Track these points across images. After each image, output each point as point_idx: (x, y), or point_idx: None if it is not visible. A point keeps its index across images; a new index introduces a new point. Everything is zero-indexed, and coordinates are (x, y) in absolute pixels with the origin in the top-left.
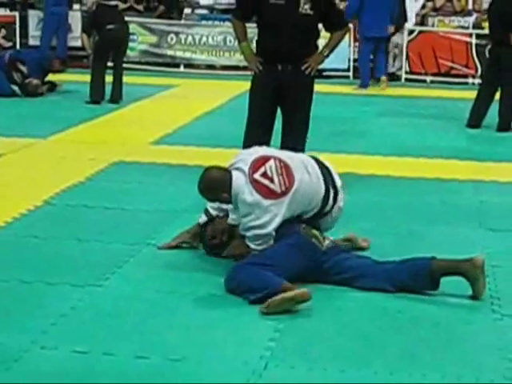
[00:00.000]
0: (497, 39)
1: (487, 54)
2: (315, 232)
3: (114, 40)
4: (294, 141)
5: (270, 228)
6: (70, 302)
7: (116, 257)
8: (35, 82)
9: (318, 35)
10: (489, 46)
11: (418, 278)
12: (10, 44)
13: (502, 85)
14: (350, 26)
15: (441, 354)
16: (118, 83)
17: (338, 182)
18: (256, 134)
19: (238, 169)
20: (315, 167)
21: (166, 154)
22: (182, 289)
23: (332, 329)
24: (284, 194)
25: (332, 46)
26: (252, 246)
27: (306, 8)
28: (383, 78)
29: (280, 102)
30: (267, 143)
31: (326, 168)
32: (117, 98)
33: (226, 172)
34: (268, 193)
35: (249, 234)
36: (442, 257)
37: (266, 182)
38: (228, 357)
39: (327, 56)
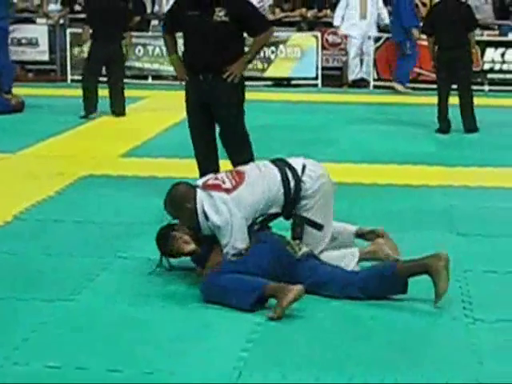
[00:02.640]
0: (448, 44)
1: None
2: (290, 240)
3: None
4: (237, 154)
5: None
6: (41, 317)
7: (87, 271)
8: (18, 97)
9: (241, 42)
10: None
11: (384, 281)
12: None
13: (459, 87)
14: (317, 33)
15: (413, 358)
16: (119, 95)
17: (298, 161)
18: (199, 145)
19: (196, 186)
20: (266, 163)
21: (135, 166)
22: (154, 301)
23: (305, 337)
24: (235, 187)
25: (254, 51)
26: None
27: (220, 15)
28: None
29: (210, 112)
30: (215, 153)
31: (280, 159)
32: (120, 110)
33: (192, 188)
34: (221, 190)
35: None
36: None
37: (217, 182)
38: (201, 368)
39: (249, 62)
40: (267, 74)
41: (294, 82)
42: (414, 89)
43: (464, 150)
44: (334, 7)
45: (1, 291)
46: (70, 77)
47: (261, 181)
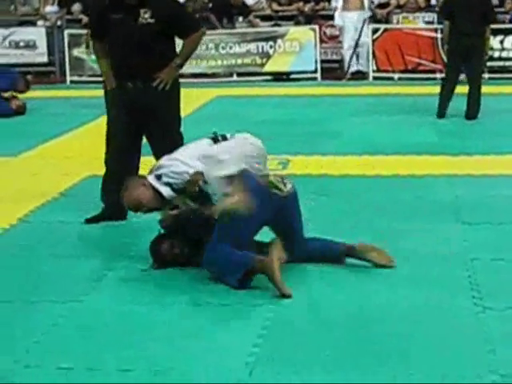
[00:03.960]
0: (466, 30)
1: (442, 46)
2: (273, 180)
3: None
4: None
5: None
6: (51, 319)
7: (95, 271)
8: (20, 100)
9: (170, 46)
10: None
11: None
12: None
13: (469, 74)
14: (315, 27)
15: (425, 350)
16: None
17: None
18: (116, 153)
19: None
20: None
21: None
22: (163, 299)
23: (316, 332)
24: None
25: (185, 55)
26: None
27: (146, 17)
28: None
29: (139, 122)
30: (132, 165)
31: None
32: None
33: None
34: None
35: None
36: (420, 252)
37: None
38: (213, 365)
39: (181, 66)
40: (266, 68)
41: (293, 76)
42: (414, 79)
43: (466, 139)
44: (330, 0)
45: (9, 294)
46: (69, 78)
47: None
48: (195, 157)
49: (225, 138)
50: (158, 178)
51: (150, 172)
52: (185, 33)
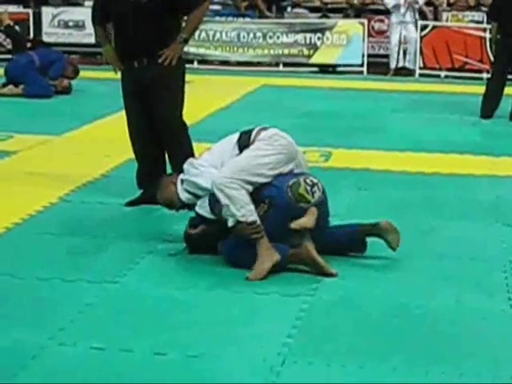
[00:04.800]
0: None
1: (491, 46)
2: (301, 191)
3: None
4: (173, 147)
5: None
6: (86, 298)
7: (132, 253)
8: (66, 81)
9: (173, 22)
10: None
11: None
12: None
13: None
14: (364, 20)
15: (459, 349)
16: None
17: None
18: (138, 141)
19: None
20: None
21: None
22: (199, 284)
23: (349, 324)
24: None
25: (190, 30)
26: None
27: None
28: None
29: (143, 98)
30: (158, 152)
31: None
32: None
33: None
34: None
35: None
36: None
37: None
38: (246, 353)
39: (186, 41)
40: (313, 60)
41: (339, 69)
42: (460, 78)
43: (510, 140)
44: None
45: (46, 272)
46: None
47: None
48: (215, 162)
49: (249, 137)
50: (181, 182)
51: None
52: (188, 8)
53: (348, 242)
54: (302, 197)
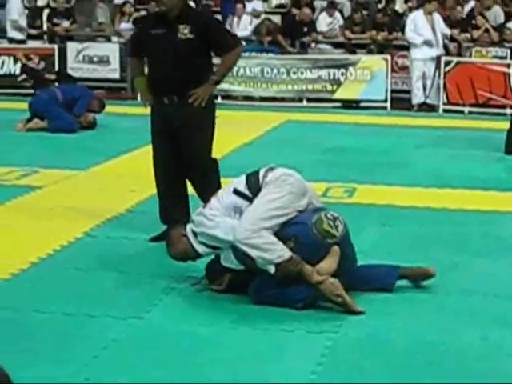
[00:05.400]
0: None
1: None
2: (325, 226)
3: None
4: (203, 186)
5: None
6: (111, 334)
7: (157, 289)
8: (91, 115)
9: (207, 62)
10: None
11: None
12: (53, 77)
13: None
14: (387, 56)
15: None
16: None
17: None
18: (163, 182)
19: None
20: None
21: None
22: (224, 321)
23: (373, 361)
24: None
25: (223, 72)
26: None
27: (185, 33)
28: None
29: (172, 135)
30: (177, 177)
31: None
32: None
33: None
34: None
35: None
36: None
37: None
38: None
39: (218, 83)
40: (336, 95)
41: (363, 105)
42: (484, 113)
43: None
44: (404, 30)
45: (72, 307)
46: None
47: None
48: (227, 210)
49: (257, 180)
50: (195, 234)
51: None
52: (223, 49)
53: (377, 283)
54: (327, 232)
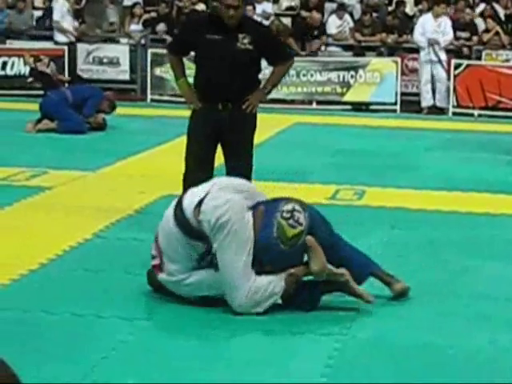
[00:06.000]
0: None
1: None
2: (288, 233)
3: None
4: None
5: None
6: (120, 335)
7: None
8: (100, 116)
9: (259, 70)
10: None
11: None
12: (68, 78)
13: None
14: (397, 59)
15: None
16: None
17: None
18: (196, 176)
19: None
20: None
21: None
22: (232, 322)
23: (381, 363)
24: None
25: (275, 81)
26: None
27: (245, 42)
28: None
29: (221, 142)
30: None
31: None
32: None
33: None
34: None
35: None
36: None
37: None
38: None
39: (269, 92)
40: (346, 98)
41: (372, 107)
42: (494, 116)
43: None
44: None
45: (81, 308)
46: (150, 96)
47: None
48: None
49: (185, 218)
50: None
51: None
52: (276, 60)
53: (356, 269)
54: (294, 236)
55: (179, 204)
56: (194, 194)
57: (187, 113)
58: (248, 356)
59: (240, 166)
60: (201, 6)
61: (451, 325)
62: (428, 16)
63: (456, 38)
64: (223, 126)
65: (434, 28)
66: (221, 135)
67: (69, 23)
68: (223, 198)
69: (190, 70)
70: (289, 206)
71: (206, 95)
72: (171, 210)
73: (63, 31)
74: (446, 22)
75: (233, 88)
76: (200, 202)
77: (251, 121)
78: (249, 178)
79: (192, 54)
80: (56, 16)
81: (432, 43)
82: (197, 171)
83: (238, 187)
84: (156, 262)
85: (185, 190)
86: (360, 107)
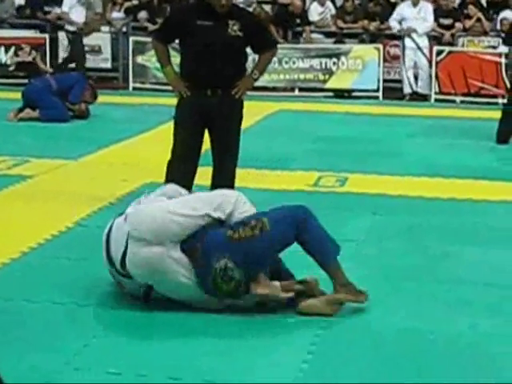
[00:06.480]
0: None
1: (506, 71)
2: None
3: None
4: (224, 170)
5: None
6: (101, 323)
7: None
8: (83, 105)
9: (246, 57)
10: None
11: None
12: (51, 70)
13: None
14: (379, 46)
15: (474, 375)
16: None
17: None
18: (183, 163)
19: None
20: None
21: (199, 174)
22: (214, 313)
23: (363, 349)
24: None
25: (262, 68)
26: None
27: (235, 29)
28: None
29: (209, 128)
30: (193, 173)
31: None
32: None
33: None
34: None
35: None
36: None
37: None
38: (262, 378)
39: (257, 79)
40: (328, 85)
41: (355, 94)
42: (476, 103)
43: None
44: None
45: (63, 297)
46: (131, 84)
47: None
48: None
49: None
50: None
51: None
52: (263, 48)
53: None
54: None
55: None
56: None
57: (169, 101)
58: (229, 343)
59: (226, 155)
60: None
61: (432, 310)
62: (407, 3)
63: (439, 24)
64: (212, 111)
65: (413, 15)
66: (209, 121)
67: (78, 14)
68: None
69: (173, 57)
70: (221, 263)
71: (196, 82)
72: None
73: (71, 23)
74: (426, 8)
75: (224, 74)
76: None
77: (239, 108)
78: (234, 165)
79: (176, 41)
80: (64, 7)
81: (409, 32)
82: (183, 159)
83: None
84: None
85: (167, 177)
86: (342, 94)
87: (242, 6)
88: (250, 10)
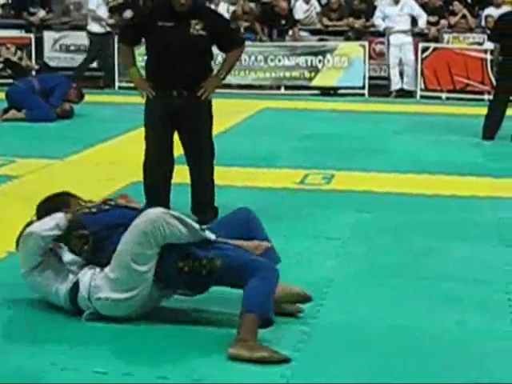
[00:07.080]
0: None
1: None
2: None
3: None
4: (201, 172)
5: None
6: (88, 322)
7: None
8: (67, 105)
9: (212, 57)
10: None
11: None
12: (37, 67)
13: None
14: (365, 43)
15: (462, 371)
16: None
17: None
18: (158, 166)
19: None
20: None
21: (183, 173)
22: (200, 307)
23: (350, 347)
24: None
25: (228, 67)
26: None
27: (197, 28)
28: None
29: (178, 129)
30: (169, 173)
31: None
32: None
33: None
34: None
35: None
36: (461, 274)
37: None
38: (249, 376)
39: (223, 78)
40: (314, 82)
41: (340, 92)
42: (461, 99)
43: (511, 162)
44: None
45: None
46: (117, 84)
47: None
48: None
49: None
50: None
51: None
52: (229, 46)
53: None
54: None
55: None
56: None
57: None
58: (216, 340)
59: (199, 157)
60: None
61: (419, 307)
62: (387, 1)
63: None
64: (179, 112)
65: (396, 12)
66: (177, 122)
67: (103, 13)
68: None
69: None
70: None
71: (160, 82)
72: None
73: (99, 19)
74: (409, 4)
75: (186, 74)
76: None
77: (207, 107)
78: (210, 165)
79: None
80: (92, 5)
81: (397, 31)
82: (158, 161)
83: None
84: None
85: (145, 179)
86: (328, 92)
87: (226, 3)
88: (235, 7)
